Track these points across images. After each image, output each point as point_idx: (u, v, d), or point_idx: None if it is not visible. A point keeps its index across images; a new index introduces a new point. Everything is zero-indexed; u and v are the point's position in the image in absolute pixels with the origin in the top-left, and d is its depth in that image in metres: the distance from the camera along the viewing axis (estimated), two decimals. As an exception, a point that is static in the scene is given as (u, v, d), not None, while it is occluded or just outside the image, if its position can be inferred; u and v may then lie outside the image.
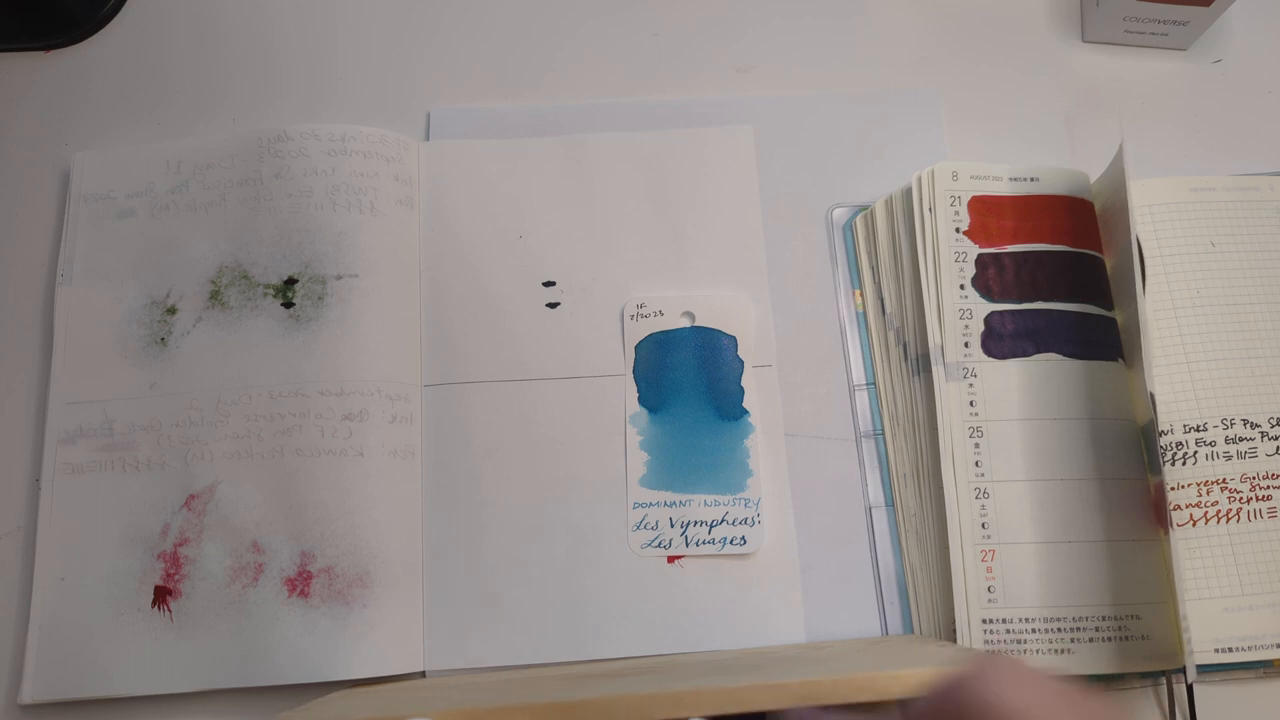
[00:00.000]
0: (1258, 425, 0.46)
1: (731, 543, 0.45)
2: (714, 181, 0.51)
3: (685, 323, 0.48)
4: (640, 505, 0.46)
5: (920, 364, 0.46)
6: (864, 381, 0.48)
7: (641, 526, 0.45)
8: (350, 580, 0.43)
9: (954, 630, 0.42)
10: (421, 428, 0.47)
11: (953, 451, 0.44)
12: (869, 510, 0.46)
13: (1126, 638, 0.42)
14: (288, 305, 0.47)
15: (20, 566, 0.45)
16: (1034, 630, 0.42)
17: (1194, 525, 0.44)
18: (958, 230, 0.47)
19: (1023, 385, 0.45)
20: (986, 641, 0.42)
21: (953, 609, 0.43)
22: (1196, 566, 0.44)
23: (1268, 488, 0.45)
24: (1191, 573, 0.44)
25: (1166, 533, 0.42)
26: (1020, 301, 0.46)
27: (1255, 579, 0.44)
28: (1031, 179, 0.48)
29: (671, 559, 0.45)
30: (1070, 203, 0.48)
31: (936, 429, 0.45)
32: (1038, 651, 0.42)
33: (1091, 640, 0.42)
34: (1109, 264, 0.48)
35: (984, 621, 0.42)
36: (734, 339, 0.48)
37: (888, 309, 0.48)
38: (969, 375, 0.45)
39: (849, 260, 0.50)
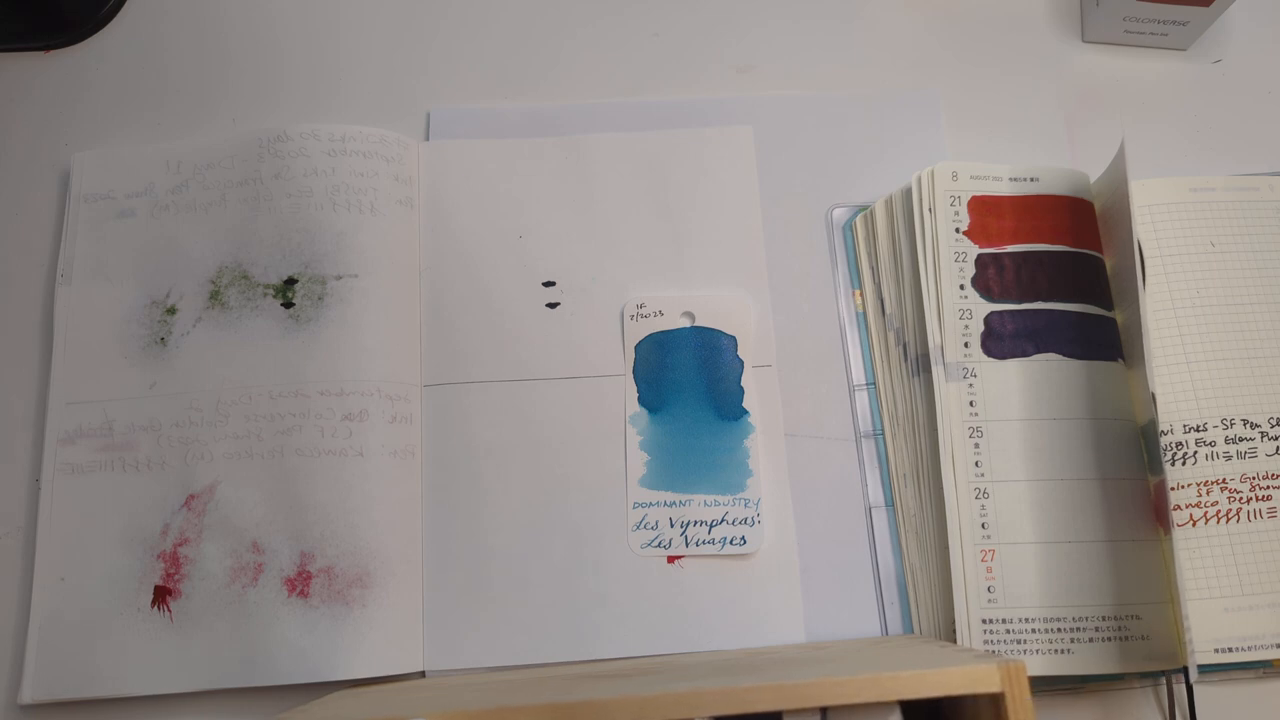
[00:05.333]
0: (1258, 425, 0.46)
1: (731, 543, 0.45)
2: (714, 181, 0.51)
3: (685, 323, 0.48)
4: (640, 505, 0.46)
5: (920, 364, 0.46)
6: (864, 381, 0.48)
7: (641, 526, 0.45)
8: (350, 580, 0.43)
9: (954, 630, 0.42)
10: (421, 428, 0.47)
11: (953, 451, 0.44)
12: (869, 510, 0.46)
13: (1126, 638, 0.42)
14: (288, 305, 0.47)
15: (20, 566, 0.45)
16: (1034, 630, 0.42)
17: (1194, 525, 0.44)
18: (957, 230, 0.47)
19: (1023, 385, 0.45)
20: (986, 642, 0.42)
21: (953, 609, 0.43)
22: (1196, 566, 0.44)
23: (1268, 488, 0.45)
24: (1191, 573, 0.44)
25: (1167, 533, 0.42)
26: (1020, 301, 0.46)
27: (1255, 579, 0.44)
28: (1031, 179, 0.48)
29: (671, 559, 0.45)
30: (1070, 203, 0.48)
31: (936, 429, 0.45)
32: (1037, 651, 0.42)
33: (1091, 640, 0.42)
34: (1109, 264, 0.48)
35: (984, 621, 0.42)
36: (734, 339, 0.48)
37: (888, 309, 0.48)
38: (969, 375, 0.45)
39: (849, 260, 0.50)
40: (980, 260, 0.47)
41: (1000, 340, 0.46)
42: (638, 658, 0.44)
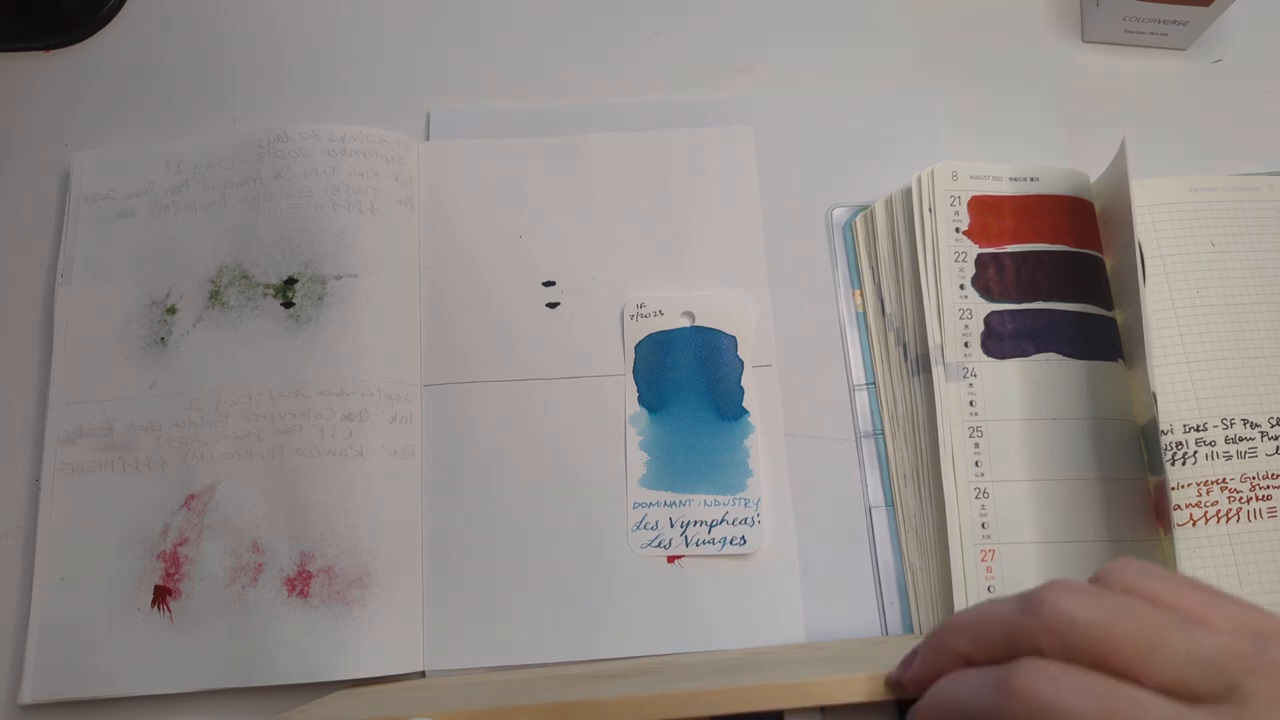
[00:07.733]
0: (1258, 425, 0.46)
1: (731, 543, 0.45)
2: (714, 181, 0.51)
3: (685, 323, 0.48)
4: (640, 505, 0.46)
5: (920, 364, 0.46)
6: (864, 381, 0.48)
7: (641, 526, 0.45)
8: (350, 580, 0.43)
9: (954, 630, 0.42)
10: (421, 428, 0.47)
11: (953, 451, 0.44)
12: (869, 510, 0.46)
13: (1126, 638, 0.42)
14: (288, 305, 0.47)
15: (20, 566, 0.45)
16: (1034, 630, 0.42)
17: (1194, 525, 0.44)
18: (957, 230, 0.47)
19: (1023, 385, 0.45)
20: (986, 641, 0.42)
21: (953, 609, 0.42)
22: (1197, 566, 0.44)
23: (1268, 488, 0.45)
24: (1191, 573, 0.44)
25: (1167, 532, 0.42)
26: (1020, 301, 0.46)
27: (1255, 579, 0.44)
28: (1031, 179, 0.48)
29: (671, 559, 0.45)
30: (1070, 203, 0.48)
31: (936, 429, 0.45)
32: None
33: (1091, 640, 0.42)
34: (1109, 264, 0.48)
35: (984, 621, 0.42)
36: (734, 339, 0.48)
37: (888, 309, 0.48)
38: (969, 375, 0.45)
39: (849, 260, 0.50)
40: (980, 260, 0.47)
41: (1000, 340, 0.46)
42: (638, 658, 0.44)
